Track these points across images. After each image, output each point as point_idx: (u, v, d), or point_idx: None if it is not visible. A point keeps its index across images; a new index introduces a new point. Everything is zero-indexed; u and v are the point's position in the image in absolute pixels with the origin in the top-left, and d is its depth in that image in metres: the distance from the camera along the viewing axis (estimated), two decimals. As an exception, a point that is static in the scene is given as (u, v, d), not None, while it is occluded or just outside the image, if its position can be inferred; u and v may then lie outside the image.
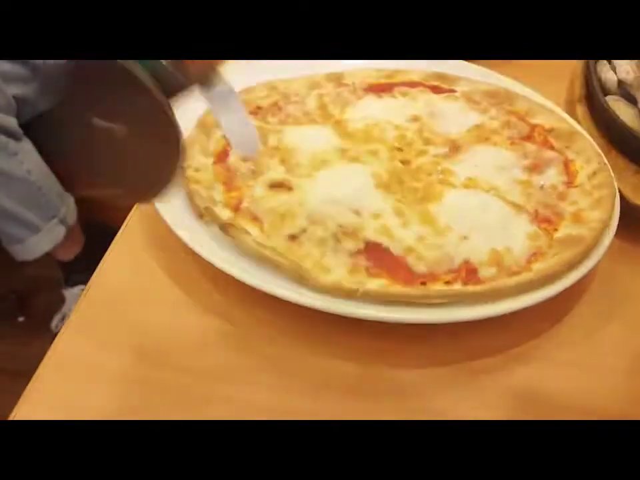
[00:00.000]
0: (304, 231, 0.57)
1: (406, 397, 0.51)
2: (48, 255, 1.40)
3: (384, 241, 0.57)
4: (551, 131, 0.71)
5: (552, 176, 0.65)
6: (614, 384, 0.52)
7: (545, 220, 0.60)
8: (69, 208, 1.44)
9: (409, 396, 0.51)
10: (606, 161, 0.66)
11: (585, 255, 0.55)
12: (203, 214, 0.57)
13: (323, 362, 0.53)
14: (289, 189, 0.62)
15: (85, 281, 0.60)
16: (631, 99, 0.74)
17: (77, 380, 0.51)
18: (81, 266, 1.47)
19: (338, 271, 0.55)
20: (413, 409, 0.50)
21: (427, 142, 0.70)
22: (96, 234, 1.22)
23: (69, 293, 1.52)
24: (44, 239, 1.40)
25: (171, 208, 0.57)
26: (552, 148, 0.69)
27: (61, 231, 1.44)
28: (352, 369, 0.52)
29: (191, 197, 0.58)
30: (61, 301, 1.50)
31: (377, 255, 0.56)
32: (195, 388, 0.50)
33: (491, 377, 0.52)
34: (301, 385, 0.51)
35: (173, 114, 0.45)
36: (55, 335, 0.54)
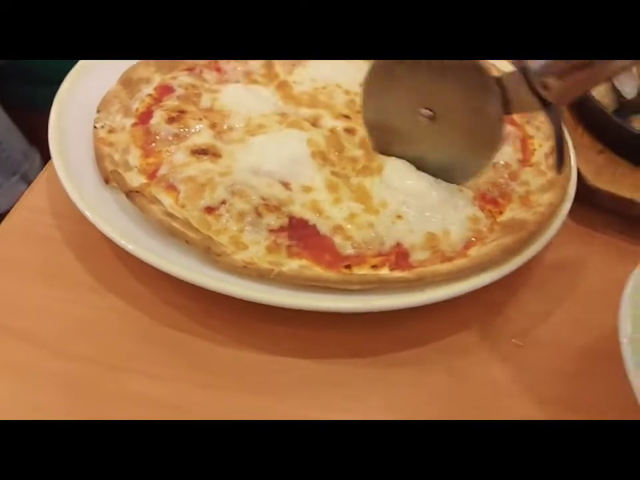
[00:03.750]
0: (223, 202, 0.52)
1: (319, 390, 0.46)
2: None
3: (311, 217, 0.52)
4: (512, 102, 0.65)
5: (507, 153, 0.59)
6: (553, 384, 0.48)
7: (491, 201, 0.55)
8: (33, 164, 1.40)
9: (322, 389, 0.46)
10: (568, 138, 0.60)
11: (526, 241, 0.50)
12: (109, 179, 0.51)
13: (232, 352, 0.48)
14: (215, 156, 0.56)
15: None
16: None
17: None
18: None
19: (255, 248, 0.50)
20: (327, 404, 0.46)
21: (378, 110, 0.64)
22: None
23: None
24: (4, 196, 1.37)
25: (77, 171, 0.52)
26: (511, 121, 0.63)
27: (22, 188, 1.39)
28: (263, 359, 0.47)
29: (98, 160, 0.53)
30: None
31: (301, 233, 0.51)
32: (90, 379, 0.45)
33: (414, 370, 0.48)
34: (206, 378, 0.46)
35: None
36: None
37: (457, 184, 0.55)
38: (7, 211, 1.39)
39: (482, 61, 0.49)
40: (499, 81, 0.49)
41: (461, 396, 0.47)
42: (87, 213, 0.49)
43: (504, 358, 0.49)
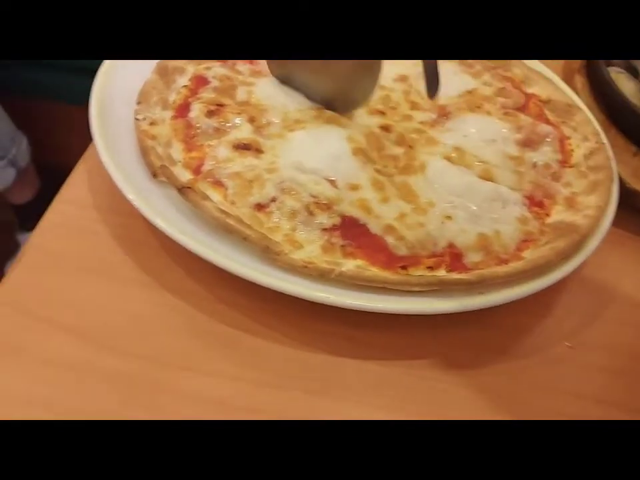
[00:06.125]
0: (273, 200, 0.51)
1: (377, 392, 0.46)
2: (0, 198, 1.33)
3: (362, 216, 0.51)
4: (547, 102, 0.65)
5: (546, 153, 0.59)
6: (603, 384, 0.48)
7: (537, 203, 0.55)
8: (20, 149, 1.37)
9: (380, 391, 0.46)
10: (605, 140, 0.61)
11: (579, 244, 0.50)
12: (157, 173, 0.50)
13: (289, 351, 0.47)
14: (257, 151, 0.55)
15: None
16: (633, 72, 0.68)
17: (1, 364, 0.43)
18: (37, 210, 1.41)
19: (310, 247, 0.49)
20: (385, 405, 0.45)
21: (414, 106, 0.64)
22: (53, 177, 1.17)
23: (24, 238, 1.45)
24: (-7, 181, 1.34)
25: (122, 164, 0.50)
26: (547, 121, 0.63)
27: (10, 173, 1.36)
28: (320, 359, 0.47)
29: (144, 154, 0.51)
30: (15, 246, 1.43)
31: (353, 233, 0.50)
32: (145, 378, 0.44)
33: (470, 373, 0.48)
34: (265, 377, 0.45)
35: None
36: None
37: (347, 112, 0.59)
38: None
39: None
40: None
41: (515, 398, 0.47)
42: (141, 207, 0.47)
43: (556, 360, 0.49)
